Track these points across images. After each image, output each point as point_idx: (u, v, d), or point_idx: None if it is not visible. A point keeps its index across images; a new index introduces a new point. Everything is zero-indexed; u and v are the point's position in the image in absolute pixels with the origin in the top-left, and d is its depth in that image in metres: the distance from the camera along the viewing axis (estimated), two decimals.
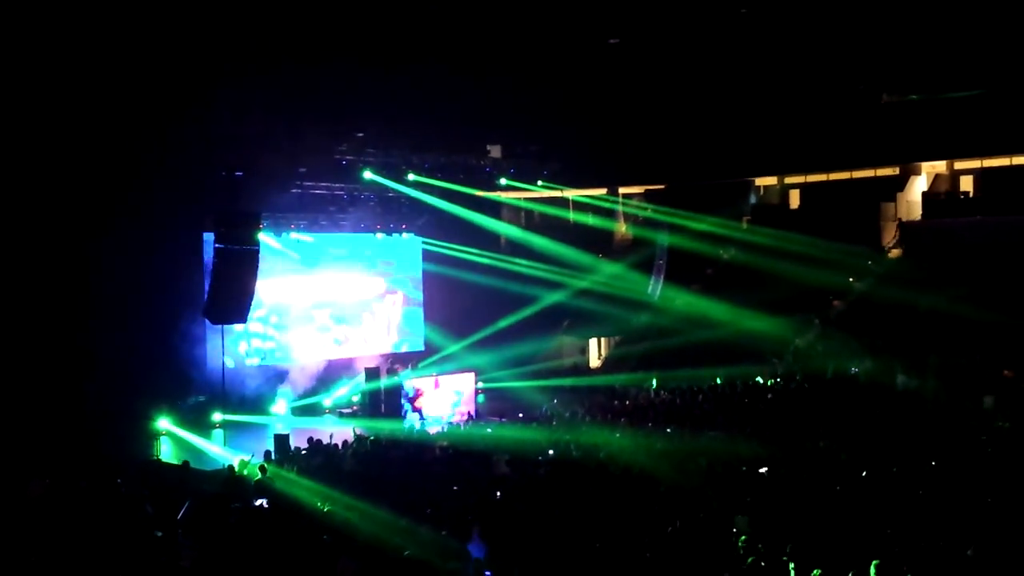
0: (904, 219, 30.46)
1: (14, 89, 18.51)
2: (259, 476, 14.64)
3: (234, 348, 25.53)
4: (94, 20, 17.38)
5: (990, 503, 11.56)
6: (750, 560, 9.52)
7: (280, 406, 25.10)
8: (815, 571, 9.05)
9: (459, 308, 29.75)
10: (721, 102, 29.43)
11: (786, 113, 29.82)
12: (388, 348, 29.82)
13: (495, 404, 25.78)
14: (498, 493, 13.75)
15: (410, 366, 27.27)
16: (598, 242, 34.22)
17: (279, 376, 26.49)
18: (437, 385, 24.47)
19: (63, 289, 20.51)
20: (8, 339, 19.93)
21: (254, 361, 26.39)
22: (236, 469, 15.61)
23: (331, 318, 28.35)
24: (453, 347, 28.89)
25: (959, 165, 30.85)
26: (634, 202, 36.17)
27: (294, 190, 26.26)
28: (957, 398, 18.78)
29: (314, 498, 13.21)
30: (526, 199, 34.53)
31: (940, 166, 31.14)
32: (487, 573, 10.09)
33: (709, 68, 26.78)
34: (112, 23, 17.48)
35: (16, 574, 9.71)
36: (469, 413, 23.85)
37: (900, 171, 31.16)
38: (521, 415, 22.40)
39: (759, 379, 23.07)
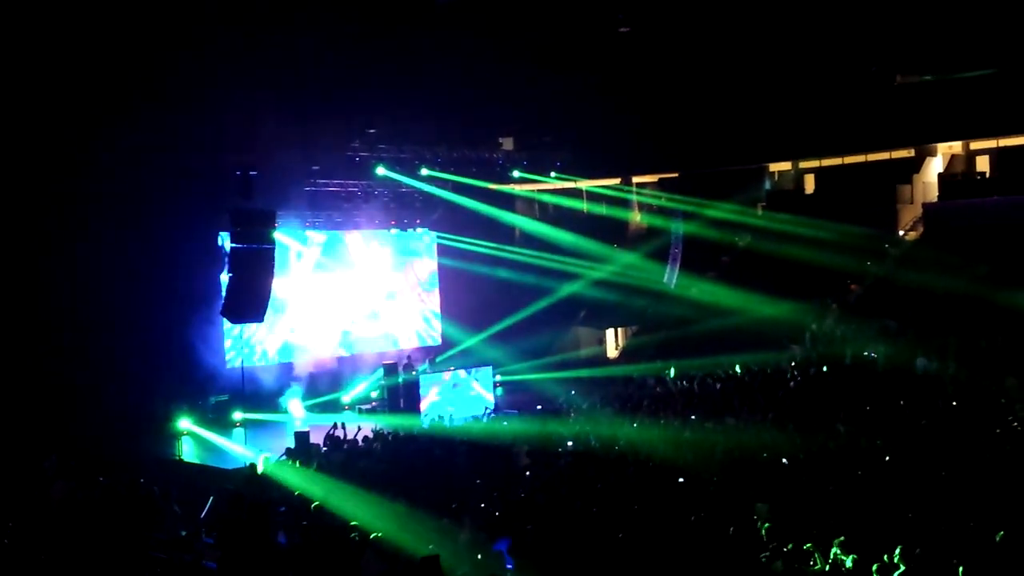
0: (922, 201, 30.25)
1: (25, 90, 18.63)
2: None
3: (252, 347, 25.66)
4: (109, 22, 17.47)
5: (1015, 485, 11.47)
6: (773, 547, 9.50)
7: (295, 404, 25.13)
8: (839, 555, 9.04)
9: (475, 302, 29.77)
10: (733, 88, 29.29)
11: (799, 97, 29.59)
12: (405, 343, 29.87)
13: (513, 397, 25.79)
14: (519, 486, 13.78)
15: (427, 361, 27.33)
16: (613, 232, 34.14)
17: (297, 374, 26.58)
18: (454, 379, 24.44)
19: (81, 291, 20.66)
20: (27, 341, 20.09)
21: (274, 358, 26.48)
22: (259, 467, 15.68)
23: (347, 315, 28.39)
24: (470, 341, 28.92)
25: (975, 145, 30.60)
26: (648, 191, 36.07)
27: (308, 188, 26.34)
28: (978, 380, 18.62)
29: (336, 494, 13.24)
30: (539, 191, 34.48)
31: (956, 147, 30.88)
32: (509, 566, 10.13)
33: (720, 54, 26.66)
34: (126, 24, 17.56)
35: (42, 574, 9.80)
36: (487, 407, 23.87)
37: (915, 153, 30.93)
38: (539, 407, 22.39)
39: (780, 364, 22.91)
